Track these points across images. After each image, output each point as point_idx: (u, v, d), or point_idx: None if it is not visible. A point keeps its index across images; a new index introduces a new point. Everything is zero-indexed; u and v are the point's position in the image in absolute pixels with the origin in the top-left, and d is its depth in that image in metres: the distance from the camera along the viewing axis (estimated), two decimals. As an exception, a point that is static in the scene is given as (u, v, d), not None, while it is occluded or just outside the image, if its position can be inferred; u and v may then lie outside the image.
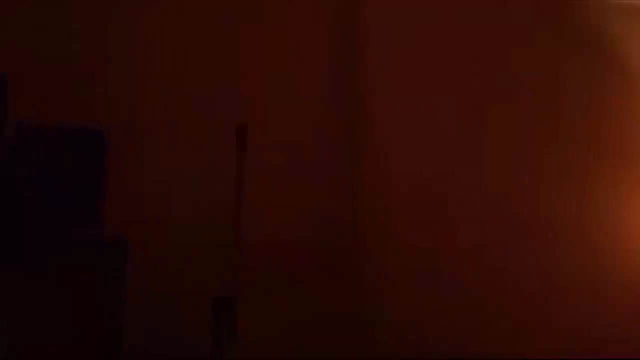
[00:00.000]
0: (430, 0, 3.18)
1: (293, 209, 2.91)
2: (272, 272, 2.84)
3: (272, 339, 2.75)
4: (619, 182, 3.27)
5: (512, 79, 3.29)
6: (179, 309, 2.59)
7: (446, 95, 3.17)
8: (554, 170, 3.27)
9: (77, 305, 2.26)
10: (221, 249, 2.29)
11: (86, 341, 2.25)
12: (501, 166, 3.22)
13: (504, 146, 3.24)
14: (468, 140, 3.19)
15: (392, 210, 3.05)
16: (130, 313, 2.40)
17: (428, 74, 3.15)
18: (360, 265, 3.04)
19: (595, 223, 3.25)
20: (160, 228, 2.76)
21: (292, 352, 2.81)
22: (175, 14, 2.94)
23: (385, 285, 3.01)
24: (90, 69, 2.82)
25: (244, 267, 2.19)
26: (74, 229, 2.35)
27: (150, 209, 2.79)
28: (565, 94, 3.35)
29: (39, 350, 2.20)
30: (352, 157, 3.09)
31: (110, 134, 2.44)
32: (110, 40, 2.85)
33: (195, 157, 2.81)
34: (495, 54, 3.28)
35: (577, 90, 3.37)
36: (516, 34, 3.31)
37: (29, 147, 2.37)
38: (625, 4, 3.45)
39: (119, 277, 2.33)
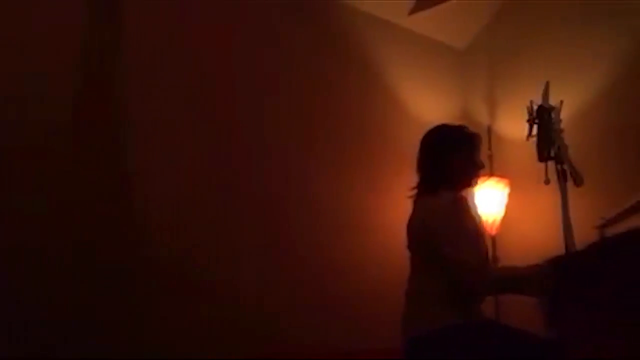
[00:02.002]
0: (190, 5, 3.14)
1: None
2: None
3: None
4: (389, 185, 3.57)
5: (279, 85, 3.41)
6: None
7: (203, 101, 3.14)
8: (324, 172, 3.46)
9: None
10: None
11: None
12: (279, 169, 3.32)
13: (278, 148, 3.33)
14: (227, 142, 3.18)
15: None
16: None
17: (186, 75, 3.10)
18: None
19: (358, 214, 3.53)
20: None
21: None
22: None
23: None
24: None
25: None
26: None
27: None
28: (329, 100, 3.56)
29: None
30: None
31: None
32: None
33: None
34: (260, 55, 3.36)
35: (340, 96, 3.60)
36: (277, 40, 3.43)
37: None
38: (379, 17, 3.77)
39: None
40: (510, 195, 3.69)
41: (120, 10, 2.95)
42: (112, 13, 2.94)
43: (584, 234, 2.86)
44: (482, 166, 2.45)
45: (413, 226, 2.35)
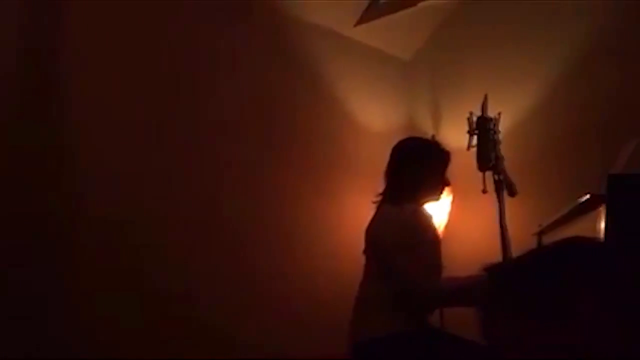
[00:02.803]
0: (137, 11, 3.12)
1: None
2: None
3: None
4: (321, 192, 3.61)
5: (228, 91, 3.41)
6: None
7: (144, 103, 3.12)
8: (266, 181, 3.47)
9: None
10: None
11: None
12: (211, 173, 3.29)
13: (214, 158, 3.32)
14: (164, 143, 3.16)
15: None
16: None
17: (134, 83, 3.07)
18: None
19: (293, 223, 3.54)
20: None
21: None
22: None
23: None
24: None
25: None
26: None
27: None
28: (276, 109, 3.59)
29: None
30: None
31: None
32: None
33: None
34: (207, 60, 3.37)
35: (288, 105, 3.62)
36: (226, 50, 3.43)
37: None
38: (325, 27, 3.81)
39: None
40: (453, 203, 3.79)
41: (62, 10, 2.91)
42: (53, 12, 2.90)
43: (523, 240, 2.98)
44: (448, 183, 2.50)
45: (371, 233, 2.39)
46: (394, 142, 3.64)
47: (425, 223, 2.45)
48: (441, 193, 2.50)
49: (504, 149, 3.51)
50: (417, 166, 2.44)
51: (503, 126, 3.62)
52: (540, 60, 3.74)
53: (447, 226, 3.79)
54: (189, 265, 3.08)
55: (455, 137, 3.88)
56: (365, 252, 2.41)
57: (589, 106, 3.49)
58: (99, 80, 2.94)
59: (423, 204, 2.48)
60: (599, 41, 3.48)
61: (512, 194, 2.04)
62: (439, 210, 3.76)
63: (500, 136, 2.50)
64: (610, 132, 3.24)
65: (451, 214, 3.79)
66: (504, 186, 2.07)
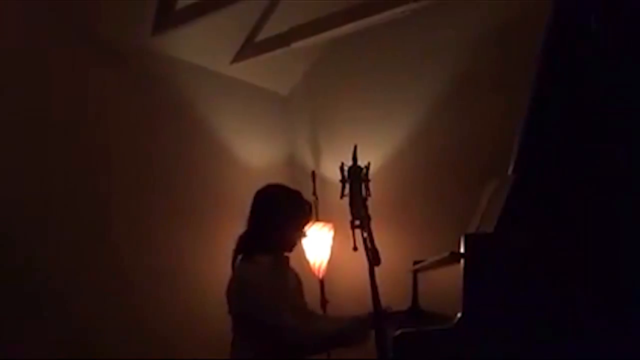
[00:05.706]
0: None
1: None
2: None
3: None
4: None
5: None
6: None
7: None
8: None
9: None
10: None
11: None
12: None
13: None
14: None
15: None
16: None
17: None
18: None
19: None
20: None
21: None
22: None
23: None
24: None
25: None
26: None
27: None
28: (154, 147, 3.49)
29: None
30: None
31: None
32: None
33: None
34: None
35: (163, 144, 3.53)
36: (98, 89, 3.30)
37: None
38: (200, 65, 3.75)
39: None
40: (335, 238, 3.83)
41: None
42: None
43: (401, 276, 3.08)
44: (304, 236, 2.50)
45: (231, 296, 2.35)
46: (275, 178, 3.62)
47: (283, 272, 2.44)
48: (294, 245, 2.48)
49: (381, 182, 3.63)
50: (275, 215, 2.41)
51: (376, 163, 3.73)
52: (411, 91, 3.87)
53: (330, 262, 3.83)
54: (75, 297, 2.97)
55: (336, 170, 3.92)
56: (230, 312, 2.36)
57: (465, 137, 3.63)
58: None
59: (278, 253, 2.46)
60: (467, 77, 3.63)
61: (376, 262, 2.05)
62: (321, 247, 3.80)
63: (370, 185, 2.52)
64: (484, 162, 3.36)
65: (334, 250, 3.83)
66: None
